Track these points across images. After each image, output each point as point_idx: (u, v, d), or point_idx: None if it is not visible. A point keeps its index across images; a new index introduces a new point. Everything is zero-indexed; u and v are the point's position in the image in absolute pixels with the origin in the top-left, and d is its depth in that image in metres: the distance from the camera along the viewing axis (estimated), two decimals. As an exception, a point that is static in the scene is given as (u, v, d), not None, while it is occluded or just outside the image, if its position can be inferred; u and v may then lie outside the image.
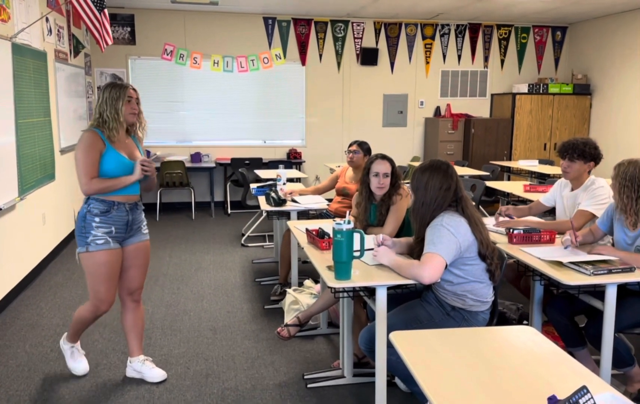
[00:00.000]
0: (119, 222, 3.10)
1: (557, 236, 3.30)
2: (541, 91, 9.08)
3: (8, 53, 4.55)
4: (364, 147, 4.76)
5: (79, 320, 3.27)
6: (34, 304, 4.57)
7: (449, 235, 2.54)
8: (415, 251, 2.80)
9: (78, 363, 3.41)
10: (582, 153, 3.51)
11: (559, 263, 2.80)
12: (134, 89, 3.18)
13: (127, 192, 3.12)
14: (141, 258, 3.28)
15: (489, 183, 5.84)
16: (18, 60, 4.74)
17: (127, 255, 3.21)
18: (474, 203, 3.91)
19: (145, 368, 3.35)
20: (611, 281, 2.63)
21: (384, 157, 3.53)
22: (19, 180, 4.68)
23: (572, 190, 3.63)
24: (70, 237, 6.53)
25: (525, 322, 3.66)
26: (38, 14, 5.47)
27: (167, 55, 8.40)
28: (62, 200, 6.29)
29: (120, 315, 3.36)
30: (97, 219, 3.05)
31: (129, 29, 8.31)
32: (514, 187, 5.60)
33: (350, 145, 4.79)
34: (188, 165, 8.19)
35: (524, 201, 5.04)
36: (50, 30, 5.94)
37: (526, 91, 9.04)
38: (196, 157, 8.52)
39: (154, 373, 3.34)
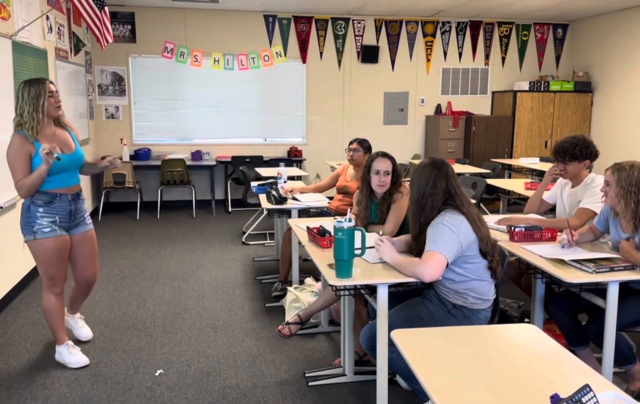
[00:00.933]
0: (62, 212, 3.29)
1: (558, 233, 3.29)
2: (542, 89, 9.06)
3: (8, 51, 4.54)
4: (364, 145, 4.75)
5: (49, 314, 3.41)
6: (35, 302, 4.57)
7: (450, 233, 2.53)
8: (414, 250, 2.79)
9: (75, 356, 3.47)
10: (573, 154, 3.53)
11: (561, 261, 2.79)
12: (51, 82, 3.26)
13: (67, 183, 3.31)
14: (87, 247, 3.49)
15: (490, 181, 5.83)
16: (18, 58, 4.74)
17: (74, 245, 3.42)
18: (474, 201, 3.91)
19: (78, 324, 3.79)
20: (613, 279, 2.62)
21: (385, 155, 3.53)
22: (20, 178, 4.68)
23: (573, 187, 3.64)
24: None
25: (526, 320, 3.66)
26: (38, 11, 5.46)
27: (168, 53, 8.39)
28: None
29: (72, 289, 3.65)
30: (40, 210, 3.22)
31: (129, 26, 8.30)
32: (515, 185, 5.59)
33: (351, 143, 4.79)
34: (189, 163, 8.18)
35: (525, 199, 5.02)
36: (50, 28, 5.93)
37: (527, 89, 9.02)
38: (197, 155, 8.52)
39: (84, 332, 3.78)
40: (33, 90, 3.15)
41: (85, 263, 3.50)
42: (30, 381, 3.29)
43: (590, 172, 3.63)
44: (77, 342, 3.71)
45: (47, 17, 5.80)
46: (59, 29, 6.29)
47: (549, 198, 3.89)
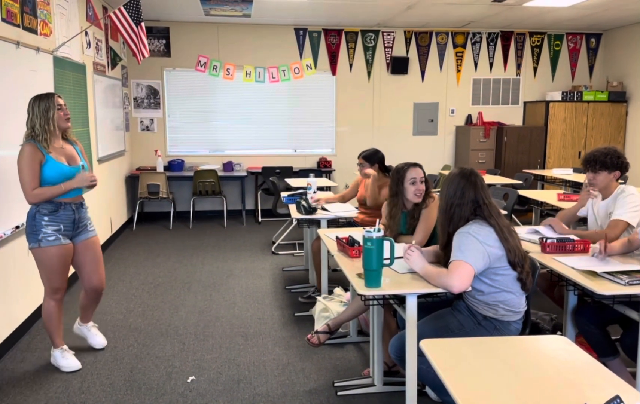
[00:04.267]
0: (67, 221, 3.42)
1: (591, 246, 3.25)
2: (575, 99, 8.92)
3: (50, 66, 4.73)
4: (371, 159, 4.58)
5: (48, 318, 3.54)
6: (72, 309, 4.69)
7: (476, 243, 2.52)
8: (443, 260, 2.79)
9: (69, 360, 3.61)
10: (604, 163, 3.46)
11: (593, 273, 2.76)
12: (59, 96, 3.41)
13: (72, 194, 3.42)
14: (91, 254, 3.60)
15: (522, 192, 5.77)
16: (59, 73, 4.92)
17: (78, 252, 3.54)
18: (505, 212, 3.88)
19: (91, 333, 3.87)
20: (647, 292, 2.58)
21: (415, 164, 3.54)
22: (59, 189, 4.84)
23: (602, 199, 3.58)
24: (106, 245, 6.69)
25: (559, 333, 3.61)
26: (78, 28, 5.66)
27: (201, 66, 8.57)
28: (100, 208, 6.46)
29: (81, 297, 3.74)
30: (46, 218, 3.34)
31: (164, 41, 8.52)
32: (548, 196, 5.52)
33: (358, 157, 4.68)
34: (220, 174, 8.32)
35: (557, 210, 4.96)
36: (89, 44, 6.14)
37: (560, 99, 8.90)
38: (228, 166, 8.65)
39: (98, 340, 3.86)
40: (43, 104, 3.31)
41: (90, 269, 3.60)
42: (67, 386, 3.39)
43: (618, 183, 3.57)
44: (92, 350, 3.86)
45: (86, 33, 6.01)
46: (97, 44, 6.51)
47: (580, 211, 3.83)
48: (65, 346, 3.66)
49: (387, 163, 4.69)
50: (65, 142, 3.49)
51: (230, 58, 8.63)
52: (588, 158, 3.54)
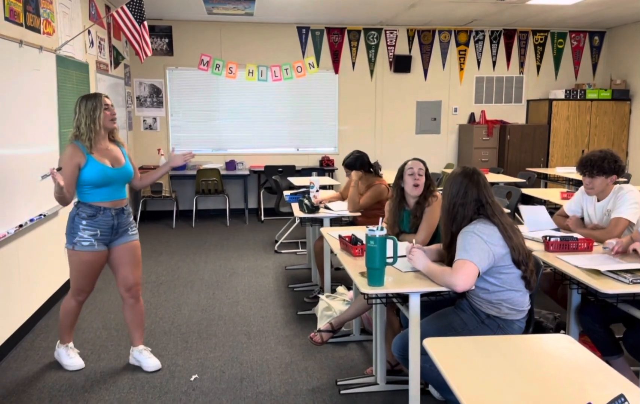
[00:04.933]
0: (105, 226, 3.34)
1: (594, 244, 3.24)
2: (578, 97, 8.90)
3: (53, 65, 4.73)
4: (353, 165, 4.60)
5: (65, 313, 3.54)
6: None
7: (480, 243, 2.52)
8: (446, 259, 2.79)
9: (73, 359, 3.61)
10: (601, 168, 3.39)
11: (597, 272, 2.75)
12: (106, 96, 3.37)
13: (112, 197, 3.35)
14: (129, 257, 3.50)
15: (525, 191, 5.76)
16: (62, 72, 4.93)
17: (115, 255, 3.46)
18: (508, 211, 3.87)
19: (142, 356, 3.62)
20: (651, 290, 2.57)
21: (416, 159, 3.56)
22: (62, 187, 4.85)
23: (599, 201, 3.54)
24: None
25: (562, 331, 3.60)
26: (81, 27, 5.67)
27: (204, 65, 8.57)
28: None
29: (122, 310, 3.63)
30: (84, 222, 3.29)
31: (166, 40, 8.52)
32: (551, 195, 5.51)
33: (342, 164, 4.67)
34: (223, 172, 8.32)
35: (558, 207, 4.94)
36: (92, 43, 6.15)
37: (563, 97, 8.88)
38: (231, 164, 8.65)
39: (150, 362, 3.59)
40: (90, 104, 3.26)
41: (125, 272, 3.50)
42: (71, 384, 3.40)
43: (614, 185, 3.53)
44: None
45: (89, 32, 6.01)
46: (99, 43, 6.51)
47: (570, 210, 3.78)
48: (71, 344, 3.66)
49: (390, 161, 4.69)
50: (112, 144, 3.42)
51: (233, 57, 8.63)
52: (584, 162, 3.45)
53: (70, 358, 3.60)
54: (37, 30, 4.52)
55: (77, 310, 3.55)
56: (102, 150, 3.33)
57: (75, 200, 3.35)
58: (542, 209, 3.81)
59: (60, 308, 3.57)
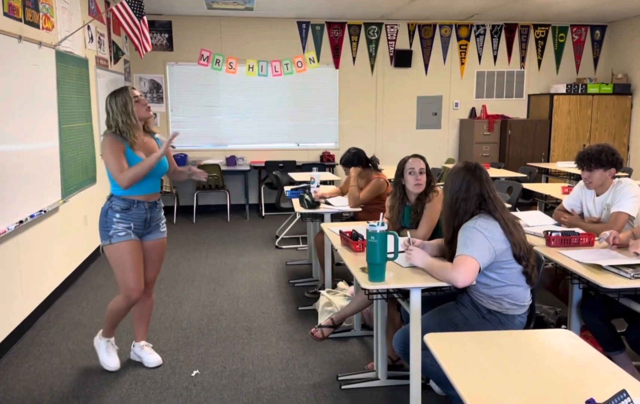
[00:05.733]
0: (138, 219, 3.30)
1: (596, 239, 3.23)
2: (580, 91, 8.87)
3: (52, 60, 4.72)
4: (350, 163, 4.63)
5: (113, 312, 3.45)
6: (76, 303, 4.72)
7: (482, 238, 2.51)
8: (448, 254, 2.78)
9: (111, 358, 3.54)
10: (599, 161, 3.40)
11: (599, 266, 2.75)
12: (133, 88, 3.32)
13: (147, 190, 3.31)
14: (156, 254, 3.48)
15: (526, 185, 5.75)
16: (61, 67, 4.91)
17: (145, 250, 3.42)
18: (509, 206, 3.86)
19: (143, 352, 3.60)
20: (653, 285, 2.56)
21: (416, 155, 3.53)
22: (62, 183, 4.85)
23: (598, 196, 3.54)
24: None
25: (563, 326, 3.59)
26: (80, 22, 5.65)
27: (204, 60, 8.55)
28: (103, 202, 6.45)
29: (133, 314, 3.60)
30: (117, 215, 3.25)
31: (166, 35, 8.50)
32: (552, 189, 5.49)
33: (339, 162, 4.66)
34: (223, 168, 8.31)
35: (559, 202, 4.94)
36: (91, 38, 6.13)
37: (564, 91, 8.85)
38: (231, 160, 8.64)
39: (151, 358, 3.57)
40: (119, 100, 3.21)
41: (149, 268, 3.46)
42: (72, 380, 3.40)
43: (613, 180, 3.52)
44: (145, 368, 3.60)
45: (88, 27, 6.00)
46: (99, 38, 6.49)
47: (568, 205, 3.78)
48: (112, 340, 3.58)
49: (390, 156, 4.70)
50: (147, 135, 3.38)
51: (233, 52, 8.61)
52: (582, 156, 3.47)
53: (109, 355, 3.54)
54: (37, 26, 4.51)
55: (125, 311, 3.43)
56: (139, 143, 3.28)
57: (109, 193, 3.33)
58: (539, 213, 3.85)
59: (109, 305, 3.46)
